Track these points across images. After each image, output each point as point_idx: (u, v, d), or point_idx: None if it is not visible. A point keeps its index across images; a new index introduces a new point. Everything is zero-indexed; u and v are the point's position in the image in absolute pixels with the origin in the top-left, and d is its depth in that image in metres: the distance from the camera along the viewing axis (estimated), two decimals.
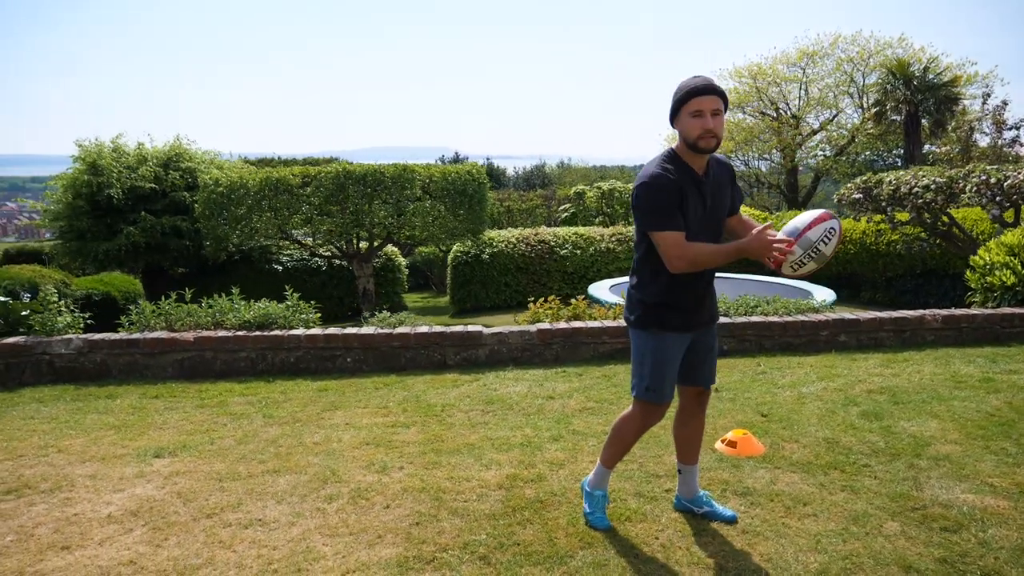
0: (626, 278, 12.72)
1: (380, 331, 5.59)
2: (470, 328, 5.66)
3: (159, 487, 3.34)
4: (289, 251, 14.35)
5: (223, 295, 6.05)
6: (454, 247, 15.79)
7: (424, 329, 5.67)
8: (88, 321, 5.95)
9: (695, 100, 2.55)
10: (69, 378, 5.30)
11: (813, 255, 2.60)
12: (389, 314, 6.26)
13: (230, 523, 2.98)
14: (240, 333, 5.49)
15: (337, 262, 14.02)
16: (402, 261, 16.09)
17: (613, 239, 15.08)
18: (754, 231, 2.57)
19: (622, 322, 5.87)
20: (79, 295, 15.02)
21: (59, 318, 5.69)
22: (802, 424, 4.05)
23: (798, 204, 24.30)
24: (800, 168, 25.42)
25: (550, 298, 6.81)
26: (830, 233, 2.60)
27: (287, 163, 23.15)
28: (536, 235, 15.67)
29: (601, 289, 11.05)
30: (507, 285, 15.20)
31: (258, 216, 12.29)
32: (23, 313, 5.66)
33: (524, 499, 3.16)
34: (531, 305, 6.62)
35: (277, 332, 5.54)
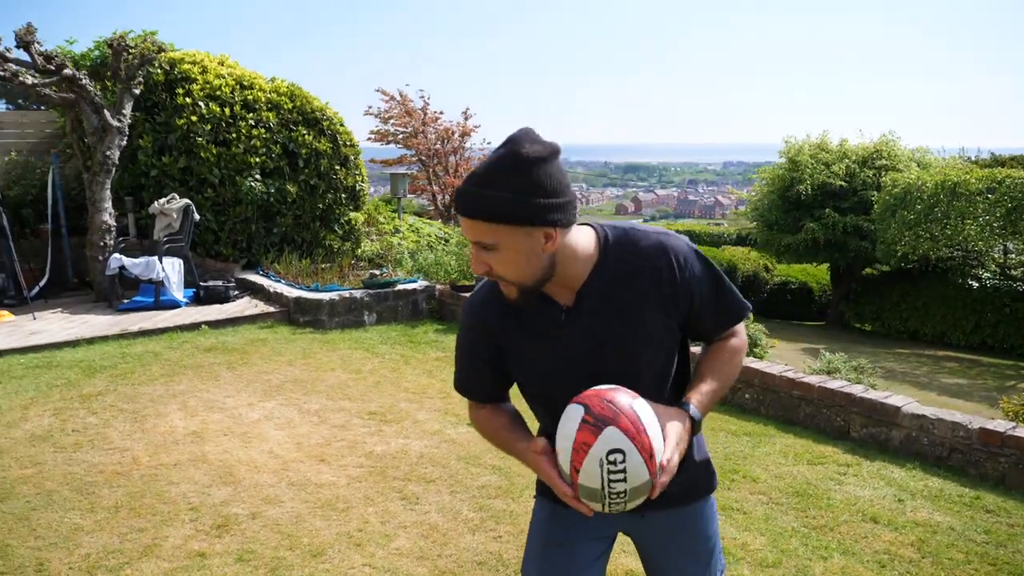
0: None
1: (783, 373, 4.68)
2: (888, 399, 4.15)
3: (389, 448, 4.06)
4: (995, 267, 11.94)
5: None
6: None
7: (834, 385, 4.45)
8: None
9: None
10: None
11: (612, 500, 1.34)
12: (846, 358, 5.04)
13: (375, 500, 3.49)
14: None
15: None
16: None
17: None
18: (534, 442, 1.48)
19: None
20: (777, 280, 16.16)
21: None
22: None
23: None
24: None
25: None
26: (615, 462, 1.31)
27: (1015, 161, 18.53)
28: None
29: None
30: None
31: (933, 224, 10.84)
32: None
33: None
34: None
35: None
